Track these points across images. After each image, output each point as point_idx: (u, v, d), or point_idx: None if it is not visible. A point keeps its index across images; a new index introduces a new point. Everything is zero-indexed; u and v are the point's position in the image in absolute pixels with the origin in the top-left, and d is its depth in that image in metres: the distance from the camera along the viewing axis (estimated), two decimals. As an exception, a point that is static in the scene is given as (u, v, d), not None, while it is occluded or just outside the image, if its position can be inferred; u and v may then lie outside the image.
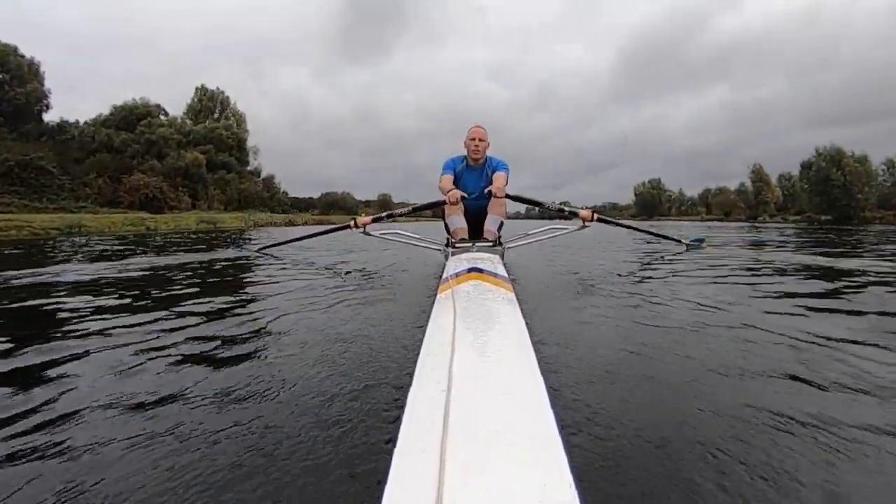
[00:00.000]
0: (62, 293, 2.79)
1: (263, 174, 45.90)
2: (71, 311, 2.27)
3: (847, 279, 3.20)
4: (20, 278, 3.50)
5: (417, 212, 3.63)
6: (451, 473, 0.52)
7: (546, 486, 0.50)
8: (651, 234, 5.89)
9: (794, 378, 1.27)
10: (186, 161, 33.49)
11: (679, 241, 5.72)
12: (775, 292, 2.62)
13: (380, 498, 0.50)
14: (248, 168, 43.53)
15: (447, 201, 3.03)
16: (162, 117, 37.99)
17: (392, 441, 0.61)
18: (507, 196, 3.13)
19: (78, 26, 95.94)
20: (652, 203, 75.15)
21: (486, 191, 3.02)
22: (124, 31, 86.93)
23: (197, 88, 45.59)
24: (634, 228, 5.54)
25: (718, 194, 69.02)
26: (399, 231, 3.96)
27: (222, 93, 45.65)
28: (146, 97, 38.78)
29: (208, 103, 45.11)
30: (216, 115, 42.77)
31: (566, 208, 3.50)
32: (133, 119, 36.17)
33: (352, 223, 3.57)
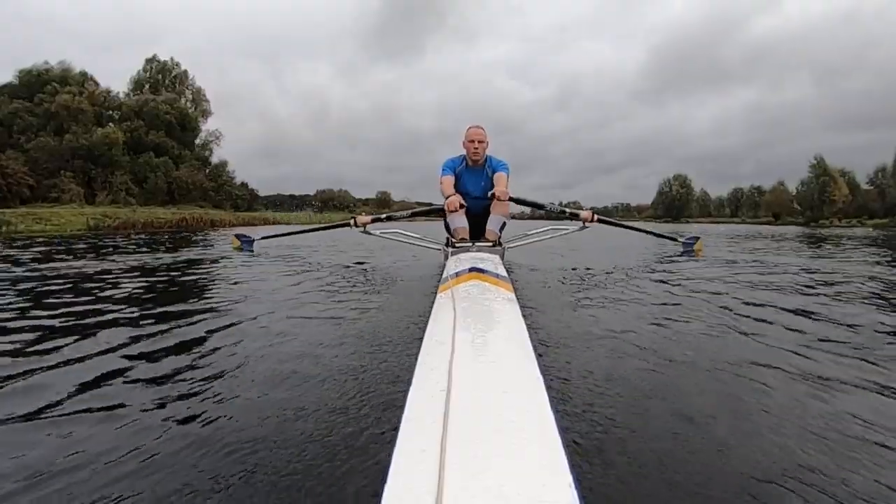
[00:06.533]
0: None
1: (245, 175, 37.67)
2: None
3: None
4: None
5: (416, 216, 3.68)
6: (451, 473, 0.51)
7: (546, 486, 0.49)
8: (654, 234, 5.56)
9: (804, 380, 1.25)
10: (94, 139, 22.11)
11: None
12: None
13: (380, 498, 0.49)
14: (209, 156, 36.52)
15: (446, 209, 3.06)
16: (87, 87, 29.89)
17: (392, 441, 0.60)
18: (511, 199, 3.12)
19: (77, 27, 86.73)
20: (679, 203, 61.51)
21: (489, 194, 3.07)
22: (126, 29, 76.97)
23: (147, 60, 34.99)
24: (637, 229, 4.96)
25: (766, 192, 55.14)
26: (399, 230, 3.77)
27: (177, 65, 34.70)
28: (66, 60, 30.68)
29: (157, 76, 33.50)
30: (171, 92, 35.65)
31: (567, 210, 3.52)
32: (38, 87, 24.97)
33: (352, 221, 3.53)
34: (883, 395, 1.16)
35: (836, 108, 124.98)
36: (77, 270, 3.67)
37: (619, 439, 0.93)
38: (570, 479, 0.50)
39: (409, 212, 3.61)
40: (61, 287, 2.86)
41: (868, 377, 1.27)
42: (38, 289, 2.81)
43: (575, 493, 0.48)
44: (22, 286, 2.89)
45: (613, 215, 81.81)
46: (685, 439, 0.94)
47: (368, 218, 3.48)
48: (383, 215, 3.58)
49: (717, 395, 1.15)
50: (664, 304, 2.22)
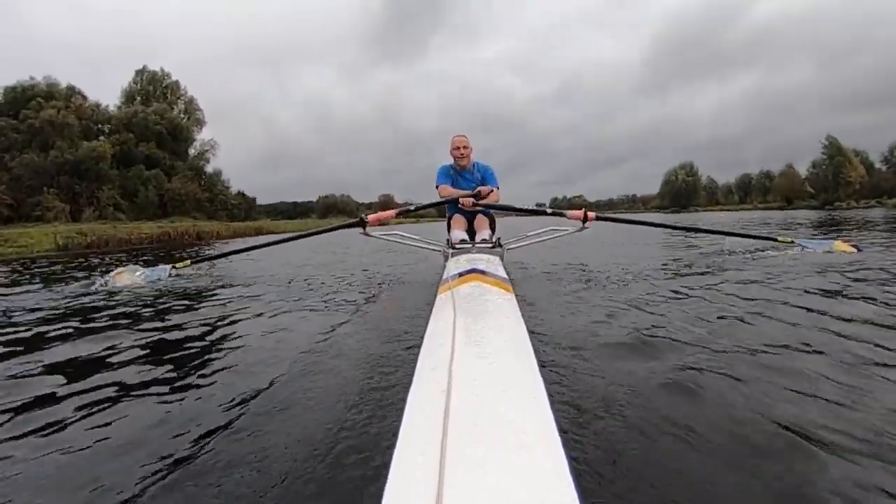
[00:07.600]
0: None
1: (230, 178, 36.35)
2: None
3: None
4: None
5: (436, 206, 3.67)
6: (451, 473, 0.51)
7: (546, 486, 0.50)
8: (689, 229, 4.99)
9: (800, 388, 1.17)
10: (80, 153, 21.10)
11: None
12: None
13: (380, 498, 0.50)
14: (204, 165, 34.65)
15: (463, 204, 3.28)
16: (74, 101, 28.25)
17: (392, 441, 0.61)
18: (478, 204, 3.34)
19: (77, 43, 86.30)
20: (685, 192, 59.49)
21: (459, 204, 3.33)
22: (126, 45, 76.11)
23: (137, 71, 37.94)
24: (645, 223, 4.49)
25: (775, 177, 52.98)
26: (399, 232, 3.82)
27: (168, 75, 33.80)
28: (51, 76, 29.17)
29: (148, 87, 32.41)
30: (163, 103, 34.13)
31: (550, 209, 3.68)
32: (24, 103, 26.88)
33: (362, 217, 3.38)
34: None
35: (840, 88, 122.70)
36: None
37: (620, 438, 0.93)
38: (569, 477, 0.50)
39: (427, 203, 3.62)
40: None
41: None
42: None
43: (575, 492, 0.48)
44: None
45: (618, 207, 79.74)
46: (686, 439, 0.93)
47: (391, 212, 3.43)
48: (412, 206, 3.65)
49: (720, 396, 1.11)
50: (665, 301, 2.15)
